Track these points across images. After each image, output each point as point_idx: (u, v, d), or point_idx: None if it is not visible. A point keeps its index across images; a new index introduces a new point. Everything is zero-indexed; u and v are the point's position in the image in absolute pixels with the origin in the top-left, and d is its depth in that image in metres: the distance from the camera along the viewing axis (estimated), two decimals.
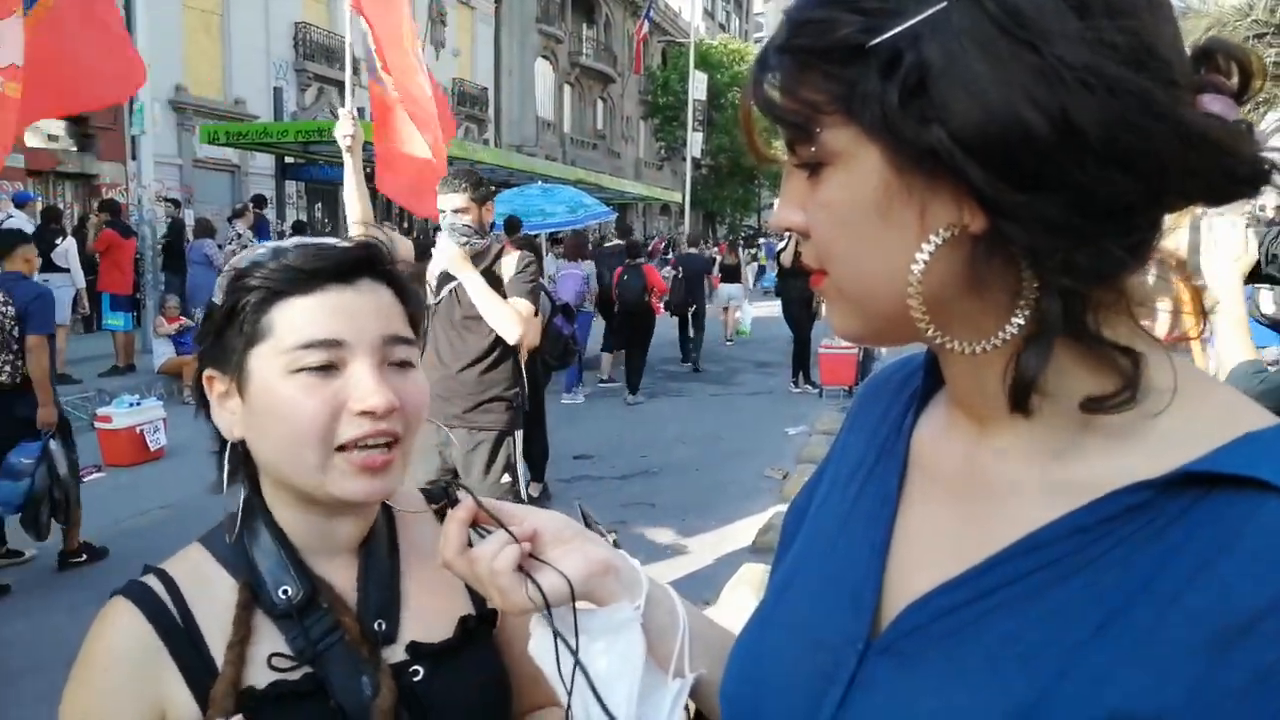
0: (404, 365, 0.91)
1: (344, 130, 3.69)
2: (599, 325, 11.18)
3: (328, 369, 0.86)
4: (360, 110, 4.09)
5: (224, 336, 0.90)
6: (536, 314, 3.99)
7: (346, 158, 3.69)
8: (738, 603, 4.02)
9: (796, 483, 6.22)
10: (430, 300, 3.68)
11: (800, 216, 0.59)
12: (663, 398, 10.18)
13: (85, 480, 5.54)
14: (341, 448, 0.86)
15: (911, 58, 0.50)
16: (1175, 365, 0.56)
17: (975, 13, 0.50)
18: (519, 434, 3.87)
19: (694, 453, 7.51)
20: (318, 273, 0.87)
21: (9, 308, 4.66)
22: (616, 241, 12.81)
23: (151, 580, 0.92)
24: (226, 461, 0.93)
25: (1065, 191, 0.50)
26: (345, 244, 0.91)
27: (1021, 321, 0.54)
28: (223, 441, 0.93)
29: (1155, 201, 0.53)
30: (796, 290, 10.32)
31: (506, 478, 3.77)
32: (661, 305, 11.60)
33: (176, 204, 15.00)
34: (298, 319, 0.86)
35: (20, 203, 10.92)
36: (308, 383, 0.85)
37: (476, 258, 3.65)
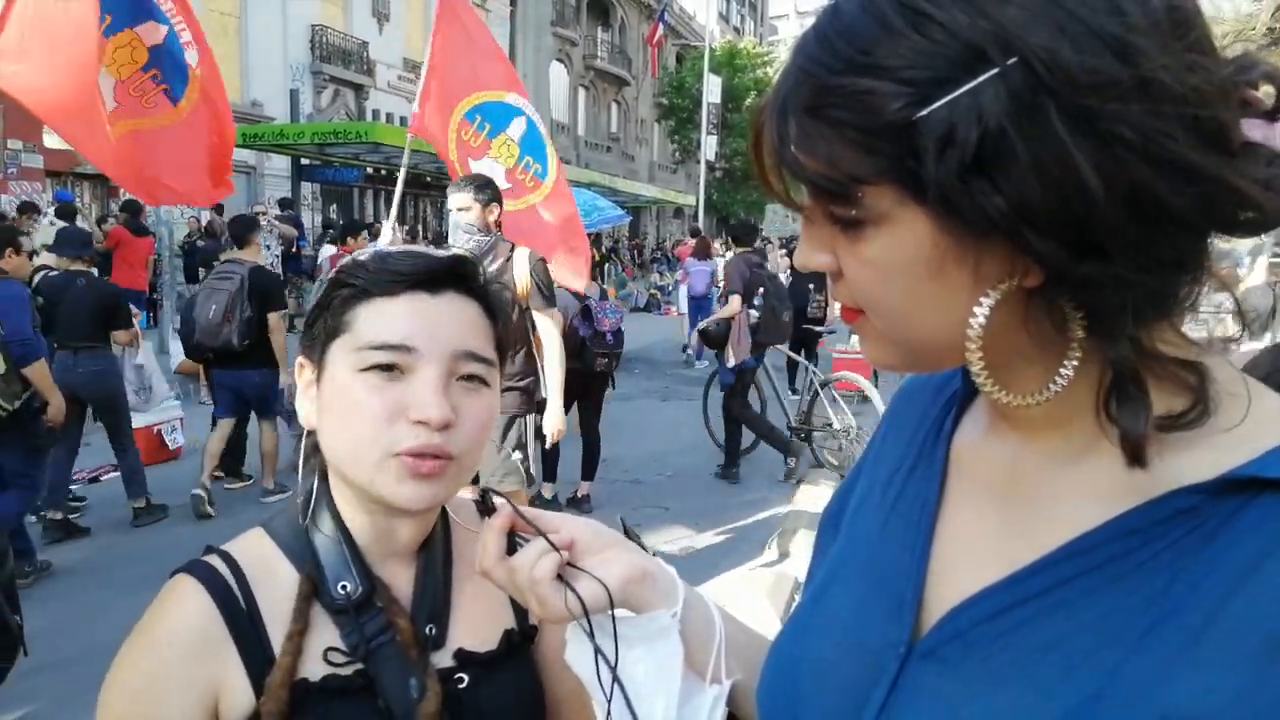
0: (475, 382, 0.90)
1: (385, 239, 4.09)
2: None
3: (394, 372, 0.86)
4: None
5: (314, 327, 0.92)
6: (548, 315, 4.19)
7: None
8: (749, 607, 4.02)
9: (808, 488, 6.21)
10: None
11: (828, 258, 0.58)
12: (676, 401, 10.16)
13: (101, 479, 5.57)
14: (398, 454, 0.85)
15: (964, 131, 0.48)
16: (1228, 370, 0.56)
17: (1029, 79, 0.47)
18: (530, 417, 4.24)
19: (707, 456, 7.49)
20: (404, 277, 0.88)
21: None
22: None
23: (216, 561, 0.91)
24: (303, 448, 0.94)
25: (1130, 253, 0.49)
26: (439, 254, 0.91)
27: (1072, 369, 0.54)
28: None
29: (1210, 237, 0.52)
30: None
31: (517, 454, 4.11)
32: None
33: (214, 234, 14.45)
34: (375, 318, 0.88)
35: (63, 203, 11.02)
36: (373, 383, 0.86)
37: (484, 256, 3.87)
